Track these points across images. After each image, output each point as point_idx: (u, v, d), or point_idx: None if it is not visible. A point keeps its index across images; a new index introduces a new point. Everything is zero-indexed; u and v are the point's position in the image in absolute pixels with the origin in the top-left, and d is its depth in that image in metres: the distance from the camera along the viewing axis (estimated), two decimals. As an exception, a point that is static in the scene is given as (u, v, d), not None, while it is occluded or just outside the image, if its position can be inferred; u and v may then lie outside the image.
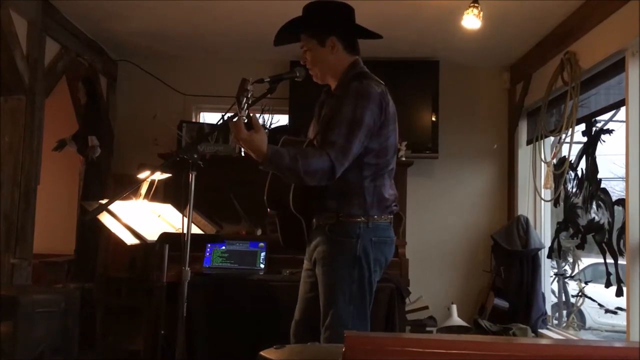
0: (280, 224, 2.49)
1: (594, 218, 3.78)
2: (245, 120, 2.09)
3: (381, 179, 2.38)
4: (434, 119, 4.83)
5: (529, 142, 4.79)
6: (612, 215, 3.57)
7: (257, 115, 4.73)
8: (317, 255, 2.38)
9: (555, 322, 4.67)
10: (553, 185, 4.13)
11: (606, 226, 3.61)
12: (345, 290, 2.30)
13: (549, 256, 4.51)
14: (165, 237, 2.87)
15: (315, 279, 2.40)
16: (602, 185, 3.74)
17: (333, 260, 2.32)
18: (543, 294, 4.49)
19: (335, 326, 2.26)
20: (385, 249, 2.40)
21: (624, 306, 3.39)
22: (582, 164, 3.94)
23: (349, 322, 2.27)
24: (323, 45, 2.41)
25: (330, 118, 2.32)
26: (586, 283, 4.40)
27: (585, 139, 3.91)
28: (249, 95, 2.12)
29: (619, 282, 3.46)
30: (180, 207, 2.94)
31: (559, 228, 4.28)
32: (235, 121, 2.10)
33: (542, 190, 4.39)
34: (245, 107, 2.11)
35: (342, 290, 2.30)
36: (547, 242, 4.57)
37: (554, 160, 4.20)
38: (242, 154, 4.66)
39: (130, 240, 2.83)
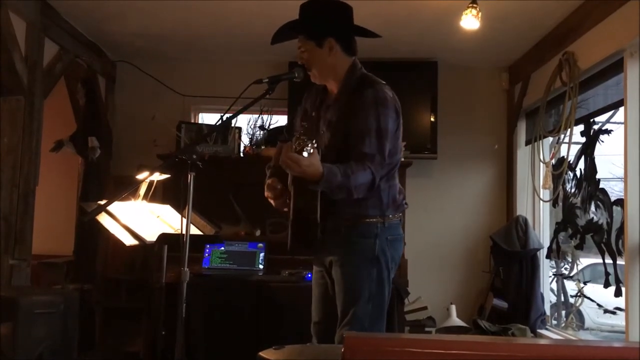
0: (292, 229, 2.42)
1: (592, 218, 3.78)
2: (306, 155, 2.07)
3: (393, 178, 2.42)
4: (432, 119, 4.83)
5: (527, 143, 4.79)
6: (610, 215, 3.57)
7: (256, 116, 4.76)
8: (334, 257, 2.38)
9: (554, 322, 4.67)
10: (552, 186, 4.12)
11: (605, 226, 3.61)
12: (365, 290, 2.31)
13: (548, 256, 4.51)
14: (164, 237, 2.87)
15: (328, 280, 2.41)
16: (601, 186, 3.74)
17: (352, 261, 2.33)
18: (542, 294, 4.49)
19: (353, 325, 2.27)
20: (398, 246, 2.43)
21: (622, 306, 3.39)
22: (581, 164, 3.94)
23: (366, 321, 2.28)
24: (321, 47, 2.39)
25: (348, 127, 2.31)
26: (585, 283, 4.39)
27: (584, 140, 3.91)
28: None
29: (618, 282, 3.46)
30: (179, 207, 2.94)
31: (558, 228, 4.28)
32: (290, 152, 2.07)
33: (541, 190, 4.39)
34: (315, 141, 2.11)
35: (362, 290, 2.31)
36: (546, 243, 4.57)
37: (553, 161, 4.20)
38: (242, 154, 4.67)
39: (129, 241, 2.83)
